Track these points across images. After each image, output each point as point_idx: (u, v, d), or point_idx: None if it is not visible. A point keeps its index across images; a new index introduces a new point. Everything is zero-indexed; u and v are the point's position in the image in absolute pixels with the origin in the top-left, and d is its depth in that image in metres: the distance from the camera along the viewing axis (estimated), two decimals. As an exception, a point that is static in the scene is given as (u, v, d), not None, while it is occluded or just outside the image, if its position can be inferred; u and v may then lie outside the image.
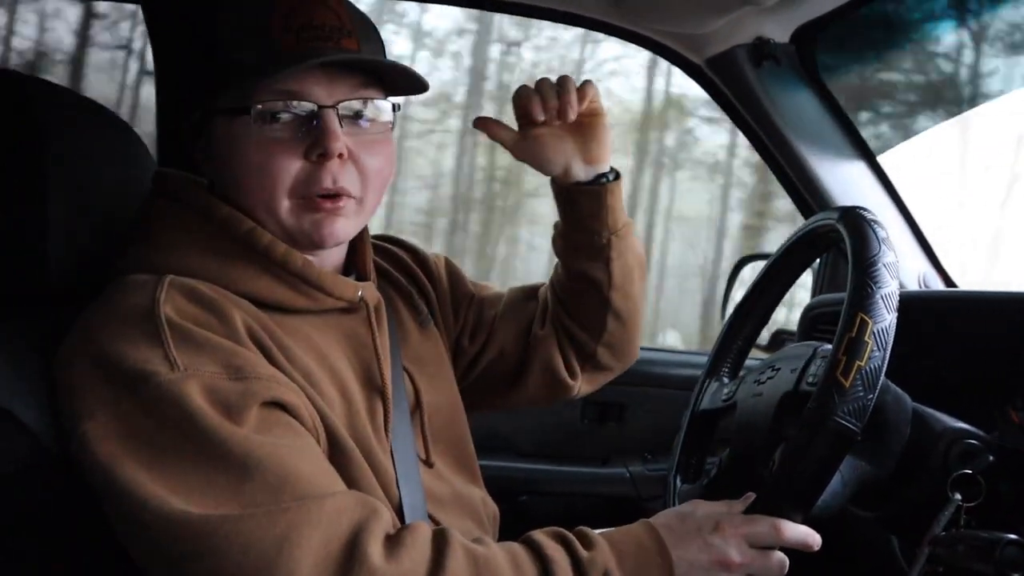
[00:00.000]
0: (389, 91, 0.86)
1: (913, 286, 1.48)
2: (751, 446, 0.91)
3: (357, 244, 0.95)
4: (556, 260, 1.07)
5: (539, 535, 0.75)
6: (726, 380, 1.07)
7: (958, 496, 0.81)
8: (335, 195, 0.81)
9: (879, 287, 0.77)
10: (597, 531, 0.77)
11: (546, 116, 0.92)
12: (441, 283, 1.09)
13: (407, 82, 0.85)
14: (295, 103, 0.79)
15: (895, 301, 0.77)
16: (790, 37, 1.38)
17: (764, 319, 1.09)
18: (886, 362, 0.75)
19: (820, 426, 0.74)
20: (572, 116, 0.92)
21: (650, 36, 1.43)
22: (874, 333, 0.75)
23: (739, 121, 1.49)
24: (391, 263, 1.06)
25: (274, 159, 0.79)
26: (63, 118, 0.85)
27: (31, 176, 0.81)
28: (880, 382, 0.75)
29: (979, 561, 0.74)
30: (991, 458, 0.83)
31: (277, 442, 0.71)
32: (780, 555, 0.77)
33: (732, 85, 1.45)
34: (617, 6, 1.35)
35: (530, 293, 1.14)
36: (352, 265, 0.95)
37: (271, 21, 0.79)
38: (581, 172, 0.98)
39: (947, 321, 1.14)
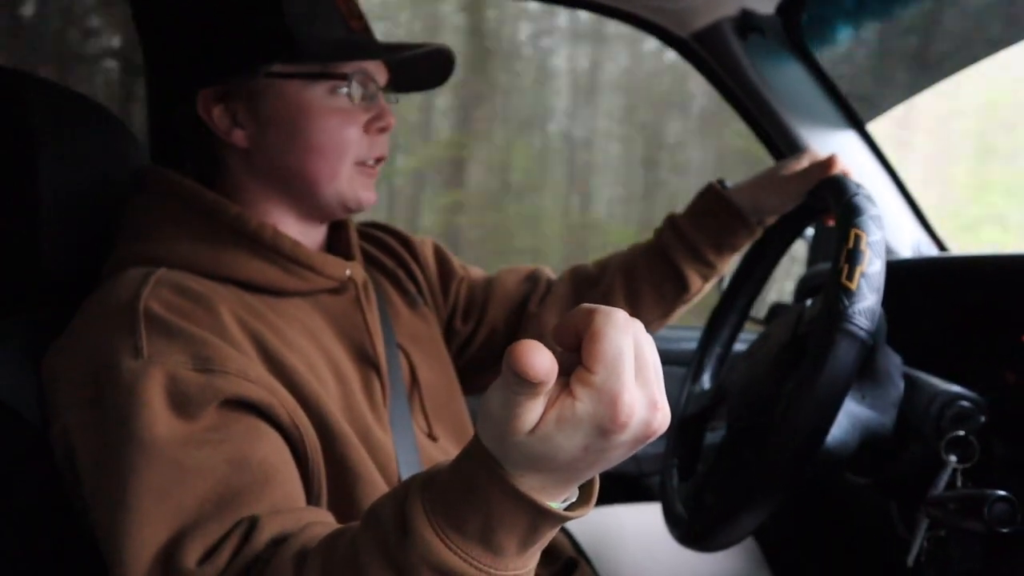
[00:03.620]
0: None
1: (907, 254, 1.48)
2: (753, 404, 0.90)
3: (341, 224, 0.96)
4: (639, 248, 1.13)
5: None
6: (707, 387, 1.07)
7: (953, 458, 0.82)
8: (375, 163, 0.90)
9: (867, 210, 0.79)
10: None
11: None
12: (428, 264, 1.10)
13: (415, 80, 0.95)
14: (369, 81, 0.87)
15: (882, 222, 0.79)
16: (775, 8, 1.38)
17: (741, 320, 1.08)
18: (884, 272, 0.76)
19: (835, 329, 0.73)
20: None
21: (635, 12, 1.42)
22: (870, 244, 0.76)
23: (727, 94, 1.49)
24: (377, 247, 1.07)
25: (347, 126, 0.86)
26: (56, 114, 0.85)
27: (23, 173, 0.81)
28: (882, 287, 0.75)
29: (970, 519, 0.75)
30: (983, 419, 0.84)
31: (215, 453, 0.68)
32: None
33: (719, 59, 1.44)
34: (600, -18, 1.35)
35: (525, 276, 1.15)
36: (337, 246, 0.96)
37: (336, 3, 0.86)
38: (767, 215, 1.07)
39: (941, 285, 1.14)
